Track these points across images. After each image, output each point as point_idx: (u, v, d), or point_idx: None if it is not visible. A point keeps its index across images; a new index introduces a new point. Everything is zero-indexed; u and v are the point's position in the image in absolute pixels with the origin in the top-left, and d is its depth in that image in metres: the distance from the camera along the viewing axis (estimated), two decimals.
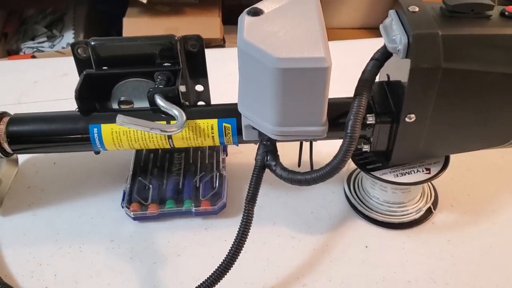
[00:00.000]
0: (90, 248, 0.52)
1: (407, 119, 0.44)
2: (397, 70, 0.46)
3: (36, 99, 0.75)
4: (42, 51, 1.62)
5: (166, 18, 1.55)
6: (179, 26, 1.53)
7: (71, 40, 1.62)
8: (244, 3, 1.75)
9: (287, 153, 0.51)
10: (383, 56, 0.44)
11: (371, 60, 0.45)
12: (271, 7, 0.44)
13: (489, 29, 0.41)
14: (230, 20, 1.61)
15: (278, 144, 0.47)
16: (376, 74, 0.45)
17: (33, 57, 1.58)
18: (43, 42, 1.64)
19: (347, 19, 1.96)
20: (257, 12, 0.43)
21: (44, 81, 0.79)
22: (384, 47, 0.44)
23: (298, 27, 0.41)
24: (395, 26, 0.43)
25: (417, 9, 0.42)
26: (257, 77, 0.41)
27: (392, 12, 0.44)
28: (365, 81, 0.44)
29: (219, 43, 1.56)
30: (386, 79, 0.50)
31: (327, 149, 0.51)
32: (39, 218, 0.56)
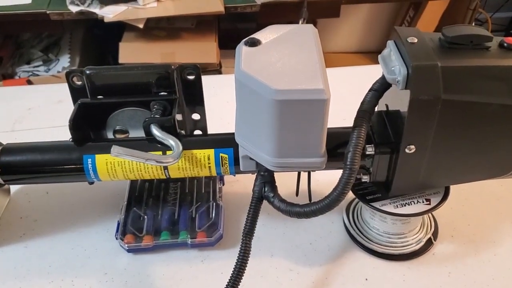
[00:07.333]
0: (83, 281, 0.51)
1: (407, 150, 0.44)
2: (396, 100, 0.45)
3: (30, 126, 0.74)
4: (38, 75, 1.62)
5: (163, 42, 1.56)
6: (176, 51, 1.53)
7: (67, 64, 1.62)
8: (240, 28, 1.76)
9: (285, 182, 0.50)
10: (382, 86, 0.44)
11: (370, 90, 0.44)
12: (268, 37, 0.43)
13: (488, 61, 0.41)
14: (226, 45, 1.62)
15: (275, 173, 0.46)
16: (375, 105, 0.44)
17: (28, 81, 1.58)
18: (38, 66, 1.64)
19: (342, 43, 1.97)
20: (254, 43, 0.43)
21: (39, 108, 0.78)
22: (383, 77, 0.44)
23: (296, 57, 0.41)
24: (394, 57, 0.42)
25: (416, 40, 0.42)
26: (255, 108, 0.40)
27: (390, 43, 0.44)
28: (364, 112, 0.43)
29: (216, 68, 1.57)
30: (384, 109, 0.49)
31: (325, 178, 0.50)
32: (30, 250, 0.54)
